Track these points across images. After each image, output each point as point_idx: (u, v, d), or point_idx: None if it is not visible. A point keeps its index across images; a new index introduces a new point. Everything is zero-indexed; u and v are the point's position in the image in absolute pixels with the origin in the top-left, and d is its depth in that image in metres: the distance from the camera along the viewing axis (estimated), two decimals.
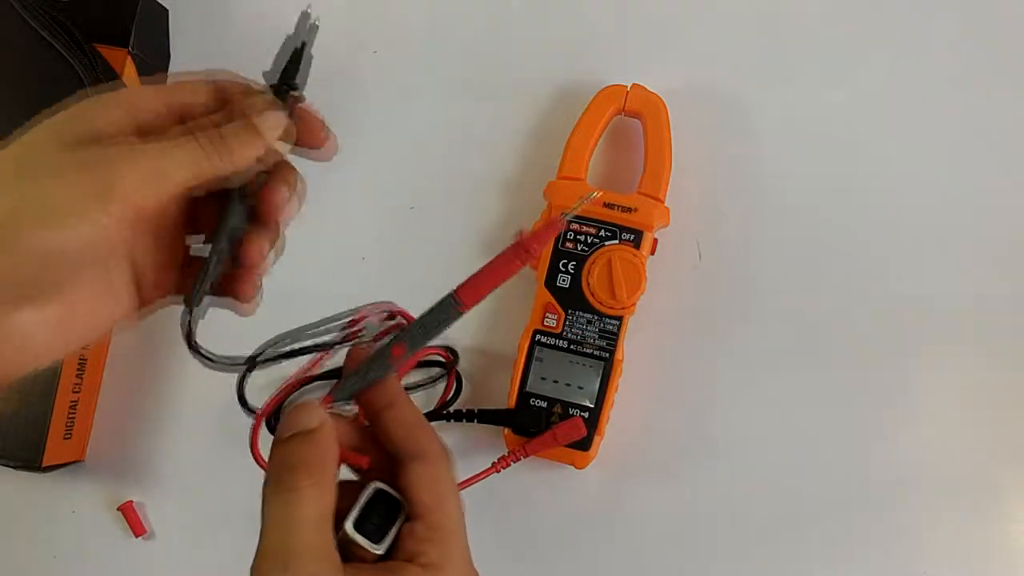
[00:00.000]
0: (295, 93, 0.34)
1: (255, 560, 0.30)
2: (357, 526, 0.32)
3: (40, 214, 0.29)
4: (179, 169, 0.31)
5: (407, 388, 0.54)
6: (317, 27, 0.32)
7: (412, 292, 0.56)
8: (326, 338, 0.36)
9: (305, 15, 0.32)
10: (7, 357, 0.29)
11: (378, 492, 0.33)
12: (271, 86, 0.34)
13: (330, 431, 0.32)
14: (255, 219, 0.35)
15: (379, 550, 0.32)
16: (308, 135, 0.36)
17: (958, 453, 0.53)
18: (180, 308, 0.35)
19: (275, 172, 0.35)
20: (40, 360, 0.30)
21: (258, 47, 0.59)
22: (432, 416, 0.54)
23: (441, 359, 0.55)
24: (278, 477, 0.31)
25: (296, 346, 0.36)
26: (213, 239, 0.34)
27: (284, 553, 0.29)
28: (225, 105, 0.34)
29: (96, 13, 0.53)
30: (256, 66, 0.59)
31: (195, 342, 0.34)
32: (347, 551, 0.31)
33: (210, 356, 0.35)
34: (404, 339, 0.35)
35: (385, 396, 0.34)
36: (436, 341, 0.56)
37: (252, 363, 0.35)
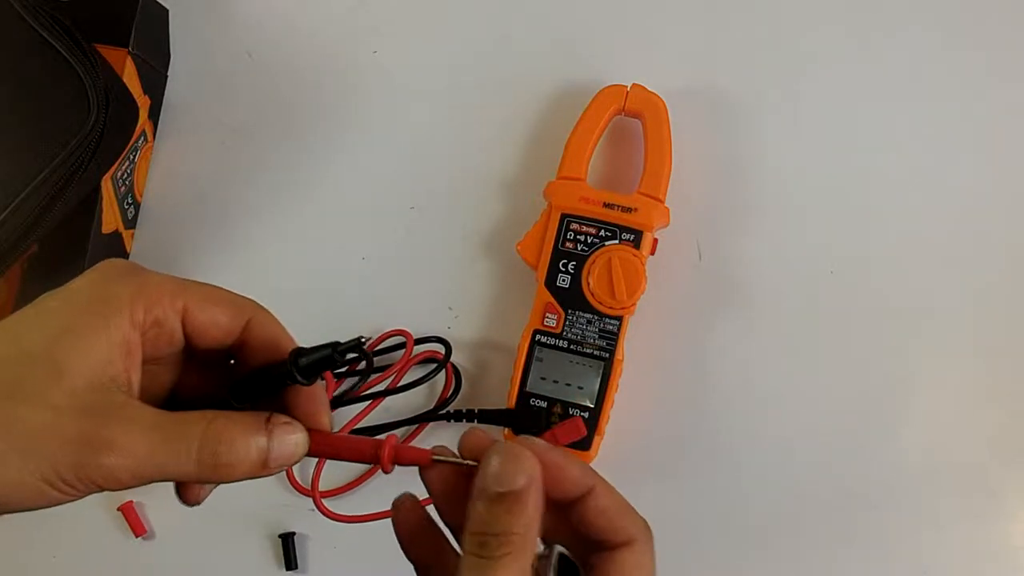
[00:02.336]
0: (303, 383, 0.31)
1: None
2: None
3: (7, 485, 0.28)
4: (160, 472, 0.29)
5: (406, 386, 0.54)
6: (363, 344, 0.30)
7: (412, 292, 0.57)
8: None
9: (360, 344, 0.30)
10: None
11: (561, 557, 0.31)
12: (292, 362, 0.31)
13: (540, 488, 0.29)
14: None
15: None
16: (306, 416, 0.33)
17: (958, 453, 0.53)
18: None
19: None
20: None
21: (257, 47, 0.60)
22: (431, 416, 0.54)
23: (435, 358, 0.55)
24: (484, 541, 0.29)
25: None
26: None
27: None
28: (246, 345, 0.32)
29: (96, 13, 0.53)
30: (254, 66, 0.59)
31: None
32: None
33: None
34: None
35: (584, 482, 0.31)
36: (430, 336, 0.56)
37: None
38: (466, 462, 0.31)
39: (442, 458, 0.31)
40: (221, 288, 0.33)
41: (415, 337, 0.55)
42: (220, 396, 0.32)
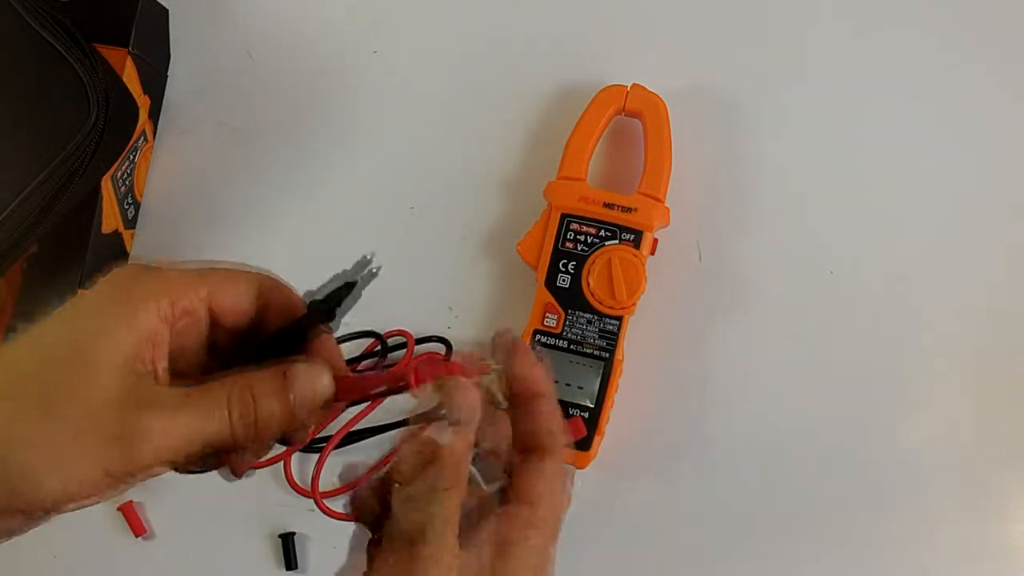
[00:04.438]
0: (325, 328, 0.33)
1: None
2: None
3: (49, 478, 0.28)
4: (201, 443, 0.30)
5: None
6: (375, 275, 0.32)
7: (412, 293, 0.57)
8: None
9: (364, 260, 0.32)
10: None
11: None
12: (309, 308, 0.33)
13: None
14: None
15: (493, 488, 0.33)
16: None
17: (958, 453, 0.53)
18: None
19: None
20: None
21: (258, 47, 0.59)
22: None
23: (437, 359, 0.55)
24: (447, 472, 0.31)
25: None
26: None
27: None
28: (263, 313, 0.34)
29: (96, 13, 0.53)
30: (254, 66, 0.59)
31: None
32: None
33: None
34: None
35: (540, 385, 0.34)
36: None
37: None
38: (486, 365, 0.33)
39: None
40: (234, 268, 0.34)
41: (416, 337, 0.55)
42: (246, 364, 0.33)
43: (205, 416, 0.30)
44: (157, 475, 0.30)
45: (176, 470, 0.33)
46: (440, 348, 0.55)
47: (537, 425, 0.33)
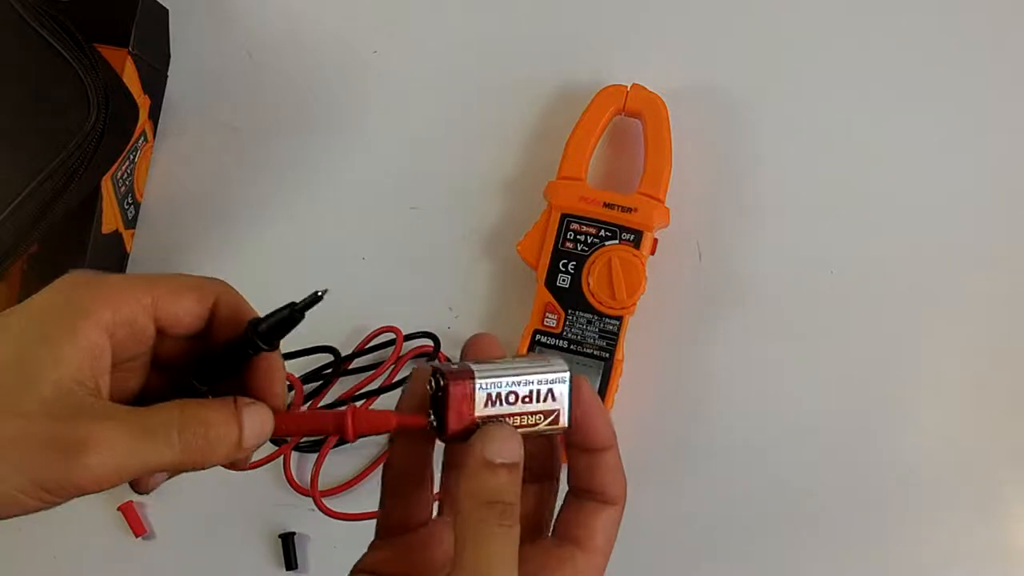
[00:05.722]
0: (266, 348, 0.32)
1: None
2: None
3: None
4: (150, 464, 0.29)
5: (391, 386, 0.54)
6: (320, 298, 0.30)
7: (412, 293, 0.57)
8: None
9: (317, 298, 0.30)
10: None
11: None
12: (251, 329, 0.31)
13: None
14: None
15: None
16: (263, 390, 0.33)
17: (959, 453, 0.53)
18: None
19: None
20: None
21: (258, 47, 0.60)
22: None
23: (426, 352, 0.55)
24: (490, 512, 0.30)
25: None
26: None
27: None
28: (215, 324, 0.33)
29: (96, 13, 0.53)
30: (254, 66, 0.59)
31: None
32: None
33: None
34: None
35: (608, 438, 0.33)
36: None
37: None
38: (429, 420, 0.31)
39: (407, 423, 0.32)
40: (186, 275, 0.33)
41: (404, 333, 0.55)
42: (184, 383, 0.32)
43: (152, 435, 0.29)
44: (85, 494, 0.29)
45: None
46: (430, 344, 0.55)
47: (603, 475, 0.33)
